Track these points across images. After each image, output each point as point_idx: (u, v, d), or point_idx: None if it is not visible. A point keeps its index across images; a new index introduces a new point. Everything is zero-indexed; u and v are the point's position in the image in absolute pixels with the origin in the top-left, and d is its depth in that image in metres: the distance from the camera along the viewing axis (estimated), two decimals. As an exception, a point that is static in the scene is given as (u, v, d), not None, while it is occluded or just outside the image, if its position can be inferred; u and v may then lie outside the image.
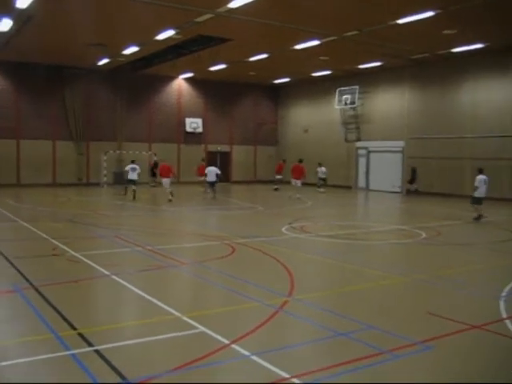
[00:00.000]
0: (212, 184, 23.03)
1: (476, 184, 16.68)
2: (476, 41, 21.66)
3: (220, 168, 35.15)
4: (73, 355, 5.24)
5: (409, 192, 27.78)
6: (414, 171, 27.94)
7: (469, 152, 25.21)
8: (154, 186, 28.97)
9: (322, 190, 28.29)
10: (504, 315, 6.86)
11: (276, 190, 28.65)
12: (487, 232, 15.24)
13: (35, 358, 5.21)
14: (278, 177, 29.77)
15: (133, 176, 22.23)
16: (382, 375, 5.00)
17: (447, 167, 26.04)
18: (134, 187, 21.99)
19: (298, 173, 24.56)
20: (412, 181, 28.11)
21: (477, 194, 16.69)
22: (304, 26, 19.43)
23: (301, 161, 25.53)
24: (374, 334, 6.05)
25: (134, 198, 21.76)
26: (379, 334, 6.06)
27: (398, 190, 28.17)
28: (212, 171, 23.05)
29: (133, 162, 23.08)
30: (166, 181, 22.01)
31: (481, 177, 16.80)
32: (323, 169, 29.31)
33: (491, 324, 6.48)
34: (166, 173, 22.06)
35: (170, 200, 21.07)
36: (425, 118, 27.38)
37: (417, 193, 27.31)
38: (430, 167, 26.80)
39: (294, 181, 24.64)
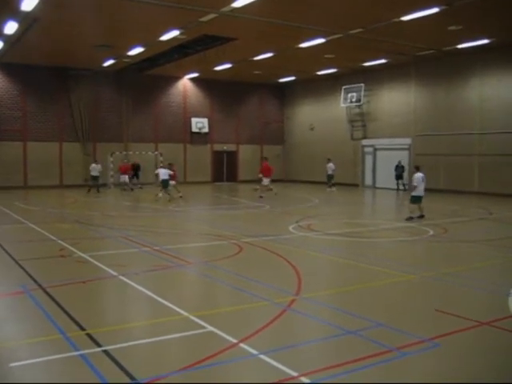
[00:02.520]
0: (165, 182, 22.07)
1: (414, 183, 16.08)
2: (482, 36, 21.55)
3: (227, 167, 35.52)
4: (82, 355, 5.26)
5: (398, 190, 27.72)
6: (400, 165, 27.73)
7: (477, 148, 25.10)
8: (139, 188, 28.75)
9: (333, 189, 27.76)
10: (513, 312, 6.83)
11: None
12: (494, 229, 15.15)
13: (44, 359, 5.24)
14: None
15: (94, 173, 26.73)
16: (390, 373, 4.98)
17: (455, 164, 25.95)
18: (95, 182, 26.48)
19: (268, 171, 24.23)
20: (399, 177, 27.84)
21: (417, 193, 16.09)
22: (309, 24, 19.40)
23: (266, 158, 26.21)
24: (382, 332, 6.04)
25: (97, 191, 26.20)
26: (387, 332, 6.05)
27: (405, 187, 28.05)
28: (162, 172, 22.34)
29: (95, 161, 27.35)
30: (123, 176, 28.12)
31: (419, 175, 16.11)
32: (331, 165, 28.37)
33: (500, 321, 6.44)
34: (125, 170, 28.33)
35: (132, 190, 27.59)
36: (432, 114, 27.27)
37: (406, 191, 27.06)
38: (437, 164, 26.68)
39: (265, 179, 23.95)
